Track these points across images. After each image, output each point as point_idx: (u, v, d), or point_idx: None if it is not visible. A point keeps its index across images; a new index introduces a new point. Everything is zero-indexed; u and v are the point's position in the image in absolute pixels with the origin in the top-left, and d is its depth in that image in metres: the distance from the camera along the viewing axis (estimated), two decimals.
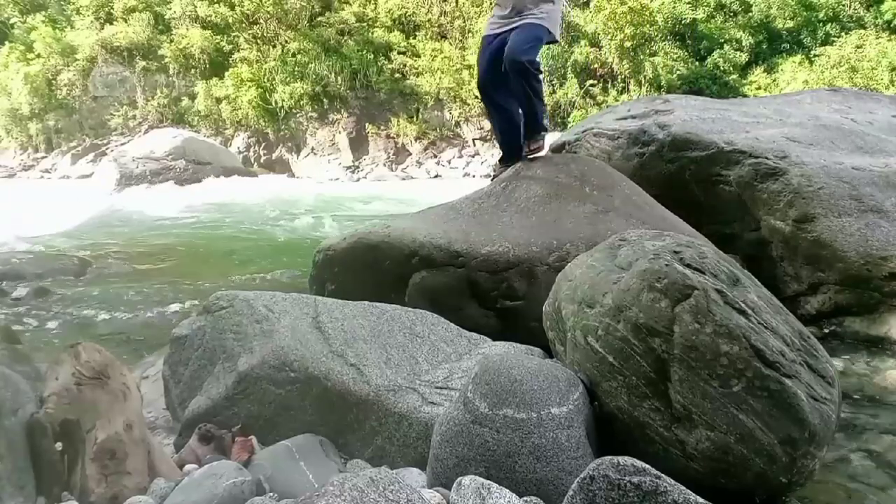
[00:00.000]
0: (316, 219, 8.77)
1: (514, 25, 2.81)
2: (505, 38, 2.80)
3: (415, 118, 18.37)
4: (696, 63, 16.35)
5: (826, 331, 2.58)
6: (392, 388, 1.71)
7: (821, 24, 15.80)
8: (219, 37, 20.22)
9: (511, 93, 2.81)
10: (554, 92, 16.93)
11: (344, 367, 1.76)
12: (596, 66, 16.86)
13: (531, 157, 2.89)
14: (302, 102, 18.49)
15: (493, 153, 16.85)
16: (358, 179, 17.11)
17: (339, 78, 18.32)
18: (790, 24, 16.11)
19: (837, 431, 1.54)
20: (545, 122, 2.94)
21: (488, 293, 2.42)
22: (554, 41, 2.93)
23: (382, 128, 18.36)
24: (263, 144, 19.65)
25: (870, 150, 3.14)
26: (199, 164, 15.20)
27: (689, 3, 16.67)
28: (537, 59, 2.79)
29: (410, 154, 18.27)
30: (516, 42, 2.75)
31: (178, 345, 2.05)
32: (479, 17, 18.42)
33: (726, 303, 1.36)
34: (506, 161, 2.99)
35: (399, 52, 18.71)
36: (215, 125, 20.05)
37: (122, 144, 18.45)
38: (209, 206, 10.73)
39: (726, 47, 16.12)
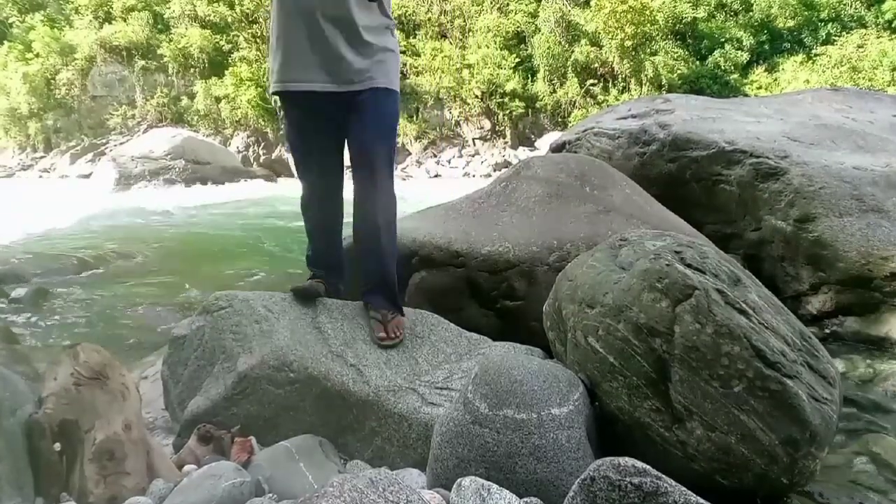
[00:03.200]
0: None
1: (351, 89, 1.80)
2: (332, 108, 1.82)
3: (414, 118, 18.39)
4: (697, 62, 16.38)
5: (827, 331, 2.58)
6: (392, 389, 1.71)
7: (822, 24, 15.82)
8: (218, 36, 20.24)
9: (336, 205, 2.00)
10: (554, 91, 16.94)
11: (344, 368, 1.76)
12: (596, 65, 16.88)
13: (385, 344, 1.85)
14: None
15: (493, 153, 16.86)
16: None
17: None
18: (791, 23, 16.13)
19: (838, 432, 1.54)
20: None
21: (488, 293, 2.41)
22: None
23: None
24: (263, 144, 19.66)
25: (871, 149, 3.13)
26: (198, 163, 15.21)
27: (689, 2, 16.69)
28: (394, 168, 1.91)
29: (410, 154, 18.27)
30: (371, 135, 1.83)
31: (177, 345, 2.05)
32: (479, 15, 18.42)
33: (727, 303, 1.36)
34: (314, 266, 2.10)
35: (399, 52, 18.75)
36: (214, 124, 20.07)
37: (120, 144, 18.46)
38: (208, 206, 10.74)
39: (727, 46, 16.15)
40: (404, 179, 16.54)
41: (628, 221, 2.46)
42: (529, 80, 17.39)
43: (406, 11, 19.37)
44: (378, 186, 1.88)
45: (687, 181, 3.18)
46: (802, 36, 15.90)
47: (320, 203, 2.03)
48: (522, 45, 18.09)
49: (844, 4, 15.76)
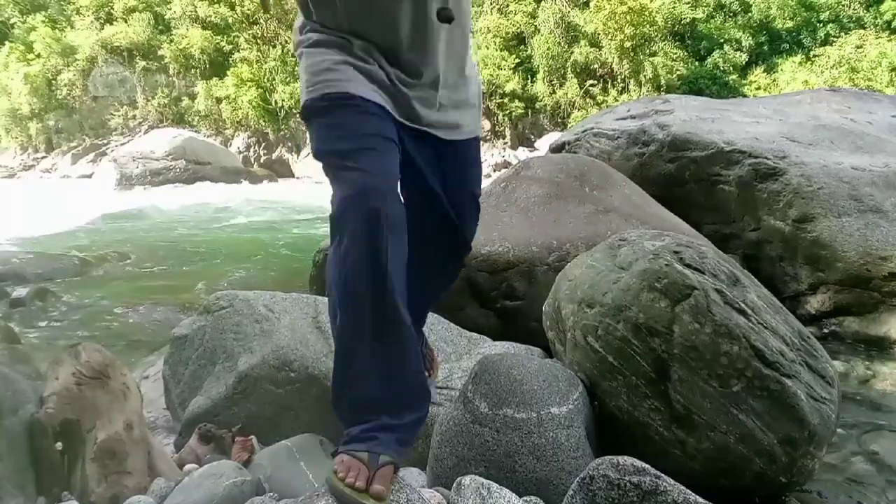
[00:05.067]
0: (316, 219, 8.77)
1: (447, 137, 1.30)
2: (419, 149, 1.25)
3: None
4: (696, 63, 16.37)
5: (826, 331, 2.59)
6: None
7: (821, 25, 15.82)
8: (219, 37, 20.24)
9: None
10: (554, 92, 16.95)
11: None
12: (596, 66, 16.87)
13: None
14: None
15: (493, 153, 16.82)
16: None
17: None
18: (790, 24, 16.13)
19: (837, 431, 1.54)
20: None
21: (488, 293, 2.42)
22: None
23: None
24: (263, 144, 19.65)
25: (869, 150, 3.14)
26: (198, 164, 15.22)
27: (688, 3, 16.69)
28: None
29: None
30: (472, 203, 1.40)
31: (178, 344, 2.05)
32: (478, 16, 18.42)
33: (726, 303, 1.36)
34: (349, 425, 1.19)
35: None
36: (215, 125, 20.07)
37: (122, 144, 18.46)
38: (209, 206, 10.75)
39: (726, 47, 16.15)
40: None
41: (627, 221, 2.47)
42: (529, 81, 17.39)
43: None
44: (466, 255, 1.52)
45: (686, 181, 3.19)
46: (801, 37, 15.89)
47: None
48: (522, 46, 18.09)
49: (843, 5, 15.76)
